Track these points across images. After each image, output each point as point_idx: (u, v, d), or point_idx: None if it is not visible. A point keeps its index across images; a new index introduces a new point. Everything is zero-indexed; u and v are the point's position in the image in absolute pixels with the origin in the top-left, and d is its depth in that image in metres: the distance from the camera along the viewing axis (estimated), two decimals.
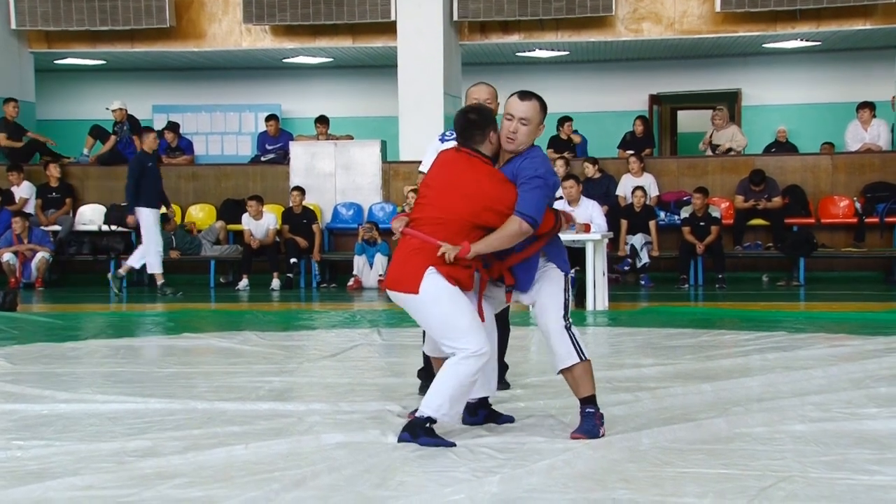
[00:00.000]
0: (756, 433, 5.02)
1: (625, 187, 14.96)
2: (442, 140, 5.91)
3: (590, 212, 11.57)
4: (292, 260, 14.66)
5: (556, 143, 16.17)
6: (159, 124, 18.32)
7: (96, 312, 11.84)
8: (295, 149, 16.02)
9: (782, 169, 15.27)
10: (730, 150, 15.89)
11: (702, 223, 14.17)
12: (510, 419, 5.32)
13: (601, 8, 15.72)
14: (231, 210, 15.62)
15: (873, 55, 17.71)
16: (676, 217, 14.78)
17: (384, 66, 17.75)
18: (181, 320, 10.81)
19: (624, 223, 14.24)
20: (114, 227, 15.63)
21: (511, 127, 4.94)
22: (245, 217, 14.80)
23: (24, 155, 16.46)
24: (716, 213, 14.48)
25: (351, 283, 14.38)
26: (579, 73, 19.59)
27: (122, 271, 13.85)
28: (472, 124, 4.99)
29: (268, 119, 17.03)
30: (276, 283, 14.44)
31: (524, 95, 5.00)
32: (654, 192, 15.04)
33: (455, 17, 16.07)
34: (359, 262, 14.45)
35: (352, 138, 16.58)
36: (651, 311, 11.09)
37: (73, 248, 15.59)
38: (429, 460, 4.58)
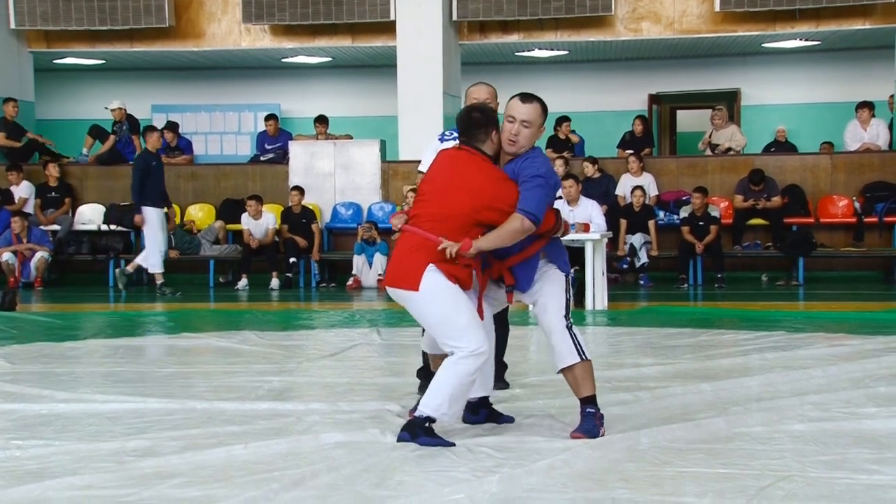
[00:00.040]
0: (755, 433, 5.02)
1: (624, 187, 14.96)
2: (441, 140, 5.91)
3: (589, 211, 11.57)
4: (291, 259, 14.66)
5: (555, 143, 16.18)
6: (158, 124, 18.22)
7: (95, 312, 11.84)
8: (294, 148, 16.02)
9: (781, 168, 15.27)
10: (729, 149, 15.89)
11: (701, 223, 14.17)
12: (510, 419, 5.31)
13: (600, 7, 15.72)
14: (230, 210, 15.62)
15: (872, 55, 17.71)
16: (676, 217, 14.78)
17: (383, 66, 17.75)
18: (180, 320, 10.81)
19: (623, 223, 14.24)
20: (113, 227, 15.65)
21: (513, 129, 4.94)
22: (244, 217, 14.80)
23: (24, 155, 16.46)
24: (715, 213, 14.49)
25: (350, 282, 14.38)
26: (578, 73, 19.59)
27: (129, 268, 13.88)
28: (475, 123, 5.00)
29: (267, 119, 17.03)
30: (275, 282, 14.44)
31: (526, 98, 5.00)
32: (653, 191, 15.04)
33: (454, 17, 16.07)
34: (358, 261, 14.45)
35: (351, 138, 16.58)
36: (650, 310, 11.09)
37: (72, 248, 15.58)
38: (428, 460, 4.58)
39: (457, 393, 4.80)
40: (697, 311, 11.09)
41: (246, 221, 14.73)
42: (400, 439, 4.84)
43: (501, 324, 5.79)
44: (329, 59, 18.74)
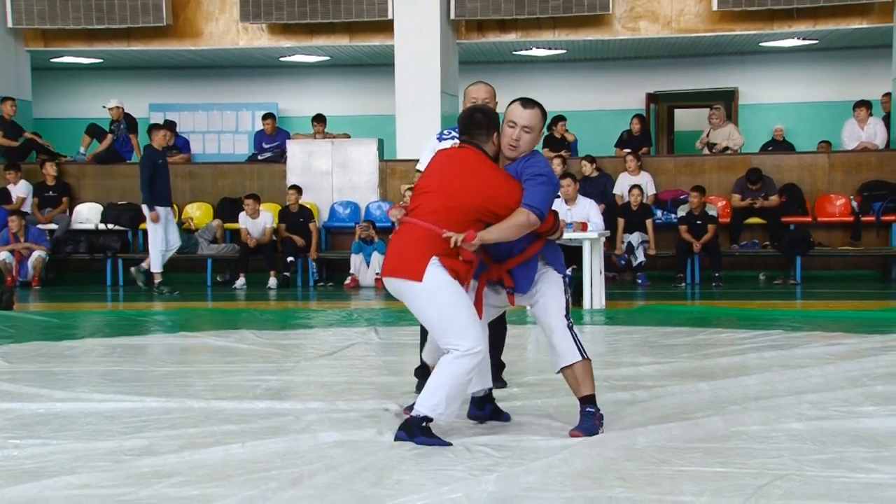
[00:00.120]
0: (753, 431, 5.02)
1: (622, 186, 14.97)
2: (440, 139, 5.92)
3: (587, 210, 11.58)
4: (289, 258, 14.66)
5: (552, 143, 16.17)
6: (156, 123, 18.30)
7: (93, 311, 11.84)
8: (292, 147, 16.02)
9: (779, 167, 15.27)
10: (726, 148, 15.89)
11: (699, 222, 14.18)
12: (507, 418, 5.32)
13: (598, 6, 15.73)
14: (228, 209, 15.62)
15: (870, 54, 17.73)
16: (673, 216, 14.79)
17: (381, 65, 17.75)
18: (178, 319, 10.81)
19: (621, 222, 14.24)
20: (110, 226, 15.64)
21: (514, 134, 4.96)
22: (242, 216, 14.79)
23: (21, 154, 16.45)
24: (712, 212, 14.49)
25: (348, 281, 14.37)
26: (576, 72, 19.59)
27: (144, 265, 13.89)
28: (477, 123, 5.02)
29: (265, 118, 17.03)
30: (272, 281, 14.43)
31: (527, 103, 5.01)
32: (650, 190, 15.04)
33: (452, 16, 16.07)
34: (356, 260, 14.44)
35: (349, 137, 16.59)
36: (648, 309, 11.09)
37: (69, 247, 15.57)
38: (426, 459, 4.58)
39: (453, 393, 4.80)
40: (695, 310, 11.10)
41: (244, 220, 14.73)
42: (397, 438, 4.84)
43: (499, 323, 5.79)
44: (327, 58, 18.73)
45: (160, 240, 13.65)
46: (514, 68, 19.15)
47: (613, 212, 14.30)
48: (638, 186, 14.54)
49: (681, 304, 11.78)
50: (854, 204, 14.76)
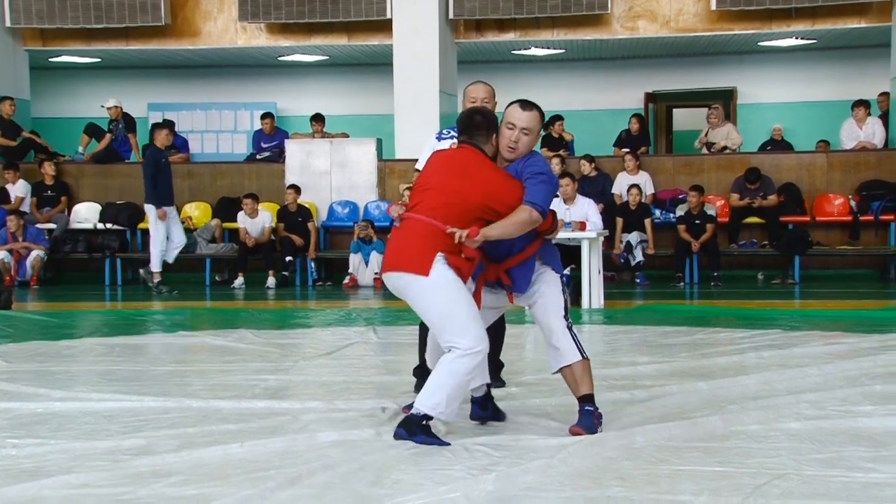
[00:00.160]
0: (751, 431, 5.02)
1: (620, 185, 14.97)
2: (439, 138, 5.92)
3: (585, 210, 11.57)
4: (288, 258, 14.66)
5: (550, 142, 16.17)
6: (154, 122, 18.29)
7: (91, 311, 11.84)
8: (290, 147, 16.02)
9: (777, 167, 15.28)
10: (725, 148, 15.90)
11: (697, 221, 14.18)
12: (504, 417, 5.32)
13: (597, 6, 15.73)
14: (226, 208, 15.62)
15: (868, 53, 17.74)
16: (672, 215, 14.79)
17: (380, 65, 17.75)
18: (176, 318, 10.80)
19: (619, 221, 14.24)
20: (109, 226, 15.64)
21: (513, 136, 4.98)
22: (240, 215, 14.79)
23: (19, 153, 16.44)
24: (711, 211, 14.49)
25: (346, 281, 14.37)
26: (575, 72, 19.59)
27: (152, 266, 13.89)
28: (477, 125, 5.04)
29: (263, 117, 17.02)
30: (271, 281, 14.43)
31: (526, 105, 5.03)
32: (649, 189, 15.05)
33: (451, 16, 16.07)
34: (354, 260, 14.44)
35: (347, 136, 16.59)
36: (646, 309, 11.09)
37: (68, 247, 15.57)
38: (424, 458, 4.58)
39: (454, 392, 4.79)
40: (694, 310, 11.10)
41: (242, 220, 14.73)
42: (397, 436, 4.84)
43: (498, 322, 5.79)
44: (325, 57, 18.73)
45: (161, 239, 13.65)
46: (513, 68, 19.15)
47: (612, 211, 14.31)
48: (636, 186, 14.55)
49: (679, 304, 11.78)
50: (852, 203, 14.77)
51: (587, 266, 11.01)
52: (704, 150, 16.07)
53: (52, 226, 15.62)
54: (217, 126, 20.35)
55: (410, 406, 4.92)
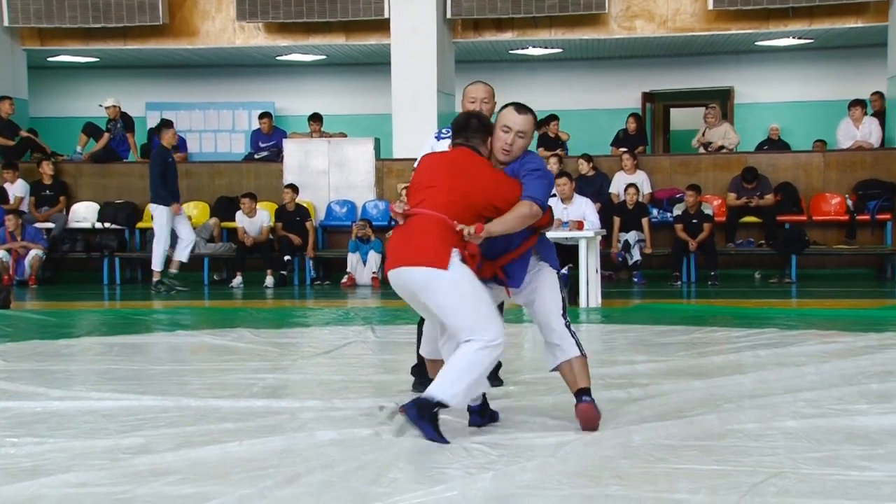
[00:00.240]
0: (748, 429, 5.04)
1: (618, 185, 14.98)
2: (438, 138, 5.92)
3: (583, 209, 11.58)
4: (286, 257, 14.67)
5: (546, 142, 16.19)
6: (153, 122, 18.30)
7: (90, 310, 11.83)
8: (288, 146, 16.02)
9: (774, 166, 15.30)
10: (722, 147, 15.92)
11: (694, 220, 14.20)
12: (498, 417, 5.32)
13: (594, 6, 15.74)
14: (225, 207, 15.62)
15: (865, 53, 17.76)
16: (669, 214, 14.81)
17: (378, 64, 17.75)
18: (175, 317, 10.81)
19: (617, 220, 14.26)
20: (107, 225, 15.65)
21: (508, 139, 5.01)
22: (239, 214, 14.80)
23: (17, 153, 16.44)
24: (708, 211, 14.51)
25: (345, 280, 14.38)
26: (572, 71, 19.61)
27: (172, 269, 13.88)
28: (473, 128, 5.06)
29: (261, 117, 17.03)
30: (269, 280, 14.44)
31: (521, 109, 5.06)
32: (646, 189, 15.06)
33: (448, 15, 16.07)
34: (352, 259, 14.45)
35: (345, 136, 16.59)
36: (644, 308, 11.11)
37: (66, 246, 15.58)
38: (422, 457, 4.59)
39: (473, 384, 4.79)
40: (691, 309, 11.12)
41: (240, 219, 14.74)
42: (407, 412, 4.79)
43: None
44: (323, 56, 18.74)
45: (165, 238, 13.68)
46: (511, 67, 19.17)
47: (609, 210, 14.32)
48: (634, 185, 14.56)
49: (676, 303, 11.80)
50: (849, 203, 14.79)
51: (584, 265, 11.02)
52: (701, 150, 16.09)
53: (50, 225, 15.63)
54: (215, 125, 20.36)
55: (408, 405, 4.91)
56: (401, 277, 4.89)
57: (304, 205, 15.18)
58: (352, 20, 16.26)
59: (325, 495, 4.00)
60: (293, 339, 8.99)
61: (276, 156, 16.24)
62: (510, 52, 18.49)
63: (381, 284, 13.76)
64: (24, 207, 15.59)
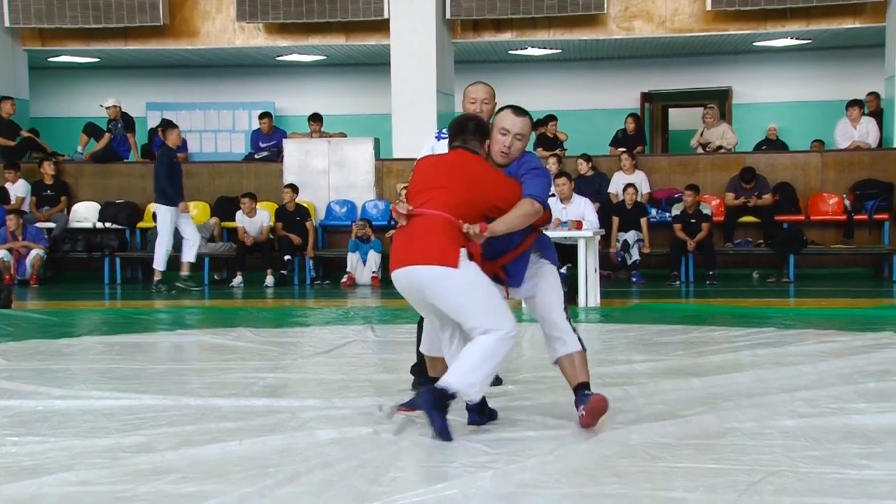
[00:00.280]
0: (746, 428, 5.05)
1: (616, 185, 15.00)
2: (438, 138, 5.92)
3: (582, 209, 11.61)
4: (286, 257, 14.68)
5: (544, 142, 16.21)
6: (153, 122, 18.34)
7: (91, 309, 11.85)
8: (288, 146, 16.04)
9: (773, 166, 15.32)
10: (720, 147, 15.94)
11: (693, 220, 14.22)
12: (496, 415, 5.34)
13: (593, 6, 15.77)
14: (225, 207, 15.64)
15: (863, 53, 17.78)
16: (667, 214, 14.83)
17: (377, 64, 17.77)
18: (175, 317, 10.83)
19: (615, 220, 14.28)
20: (108, 225, 15.67)
21: (507, 142, 5.05)
22: (239, 214, 14.82)
23: (18, 153, 16.46)
24: (707, 211, 14.53)
25: (344, 279, 14.40)
26: (571, 71, 19.62)
27: (184, 272, 13.88)
28: (471, 130, 5.10)
29: (261, 117, 17.04)
30: (269, 279, 14.46)
31: (518, 112, 5.11)
32: (645, 189, 15.08)
33: (448, 16, 16.09)
34: (352, 258, 14.47)
35: (345, 136, 16.61)
36: (642, 307, 11.13)
37: (67, 246, 15.60)
38: (422, 455, 4.61)
39: (488, 375, 4.83)
40: (689, 308, 11.14)
41: (240, 219, 14.76)
42: (420, 396, 4.81)
43: None
44: (323, 57, 18.76)
45: (168, 238, 13.70)
46: (510, 68, 19.19)
47: (608, 210, 14.34)
48: (632, 185, 14.59)
49: (675, 302, 11.81)
50: (847, 202, 14.81)
51: (584, 265, 11.05)
52: (700, 150, 16.12)
53: (51, 225, 15.64)
54: (215, 126, 20.37)
55: (407, 405, 4.94)
56: (409, 276, 4.89)
57: (304, 205, 15.20)
58: (352, 20, 16.28)
59: (325, 494, 4.02)
60: (293, 339, 9.00)
61: (276, 156, 16.26)
62: (509, 52, 18.51)
63: (381, 284, 13.78)
64: (26, 207, 15.61)
